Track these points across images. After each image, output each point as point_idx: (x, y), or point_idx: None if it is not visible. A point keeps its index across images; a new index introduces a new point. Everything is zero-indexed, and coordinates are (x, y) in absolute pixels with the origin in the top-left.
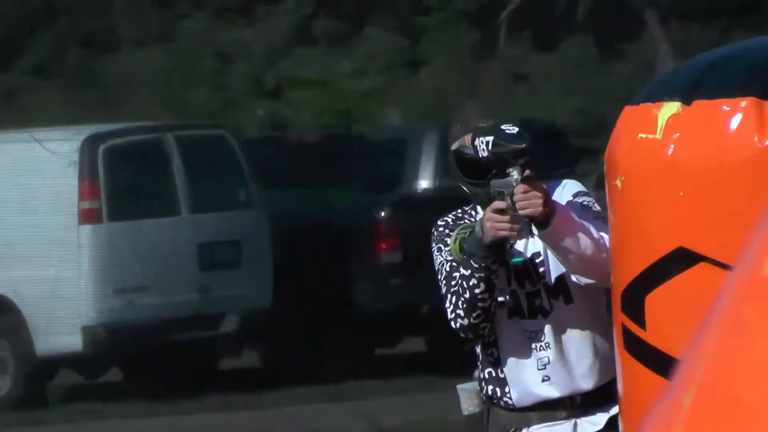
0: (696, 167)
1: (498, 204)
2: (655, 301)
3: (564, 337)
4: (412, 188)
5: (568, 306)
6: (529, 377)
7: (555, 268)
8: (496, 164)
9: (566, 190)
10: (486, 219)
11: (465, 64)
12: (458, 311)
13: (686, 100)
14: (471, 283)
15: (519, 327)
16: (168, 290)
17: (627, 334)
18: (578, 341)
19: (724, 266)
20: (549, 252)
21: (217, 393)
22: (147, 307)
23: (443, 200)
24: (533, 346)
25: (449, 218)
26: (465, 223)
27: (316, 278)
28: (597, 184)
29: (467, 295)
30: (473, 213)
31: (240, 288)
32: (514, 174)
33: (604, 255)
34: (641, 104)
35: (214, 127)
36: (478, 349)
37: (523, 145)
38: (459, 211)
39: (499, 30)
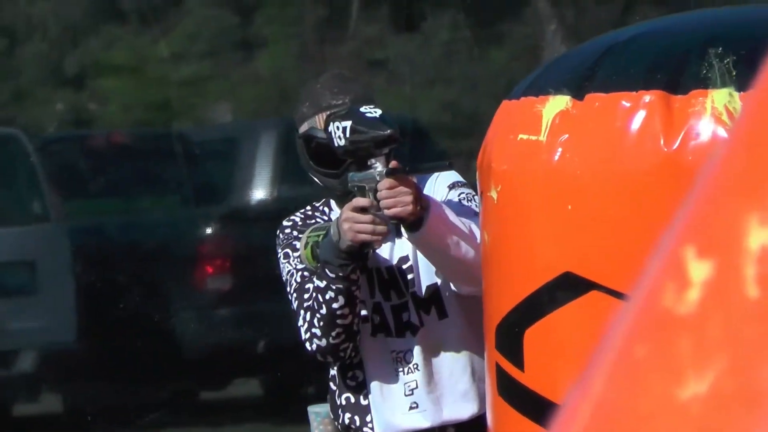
0: (588, 176)
1: (358, 201)
2: (536, 336)
3: (435, 358)
4: (245, 199)
5: (441, 321)
6: (394, 405)
7: (426, 276)
8: (355, 154)
9: (440, 182)
10: (343, 219)
11: (309, 47)
12: (314, 330)
13: (577, 94)
14: (327, 297)
15: (385, 346)
16: None
17: (502, 375)
18: (452, 362)
19: (620, 295)
20: (419, 256)
21: None
22: None
23: (283, 213)
24: (400, 368)
25: (297, 217)
26: (317, 222)
27: (127, 308)
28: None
29: (323, 311)
30: (326, 210)
31: (36, 319)
32: (378, 166)
33: None
34: (522, 98)
35: (3, 125)
36: (334, 371)
37: (388, 132)
38: (308, 207)
39: (350, 5)
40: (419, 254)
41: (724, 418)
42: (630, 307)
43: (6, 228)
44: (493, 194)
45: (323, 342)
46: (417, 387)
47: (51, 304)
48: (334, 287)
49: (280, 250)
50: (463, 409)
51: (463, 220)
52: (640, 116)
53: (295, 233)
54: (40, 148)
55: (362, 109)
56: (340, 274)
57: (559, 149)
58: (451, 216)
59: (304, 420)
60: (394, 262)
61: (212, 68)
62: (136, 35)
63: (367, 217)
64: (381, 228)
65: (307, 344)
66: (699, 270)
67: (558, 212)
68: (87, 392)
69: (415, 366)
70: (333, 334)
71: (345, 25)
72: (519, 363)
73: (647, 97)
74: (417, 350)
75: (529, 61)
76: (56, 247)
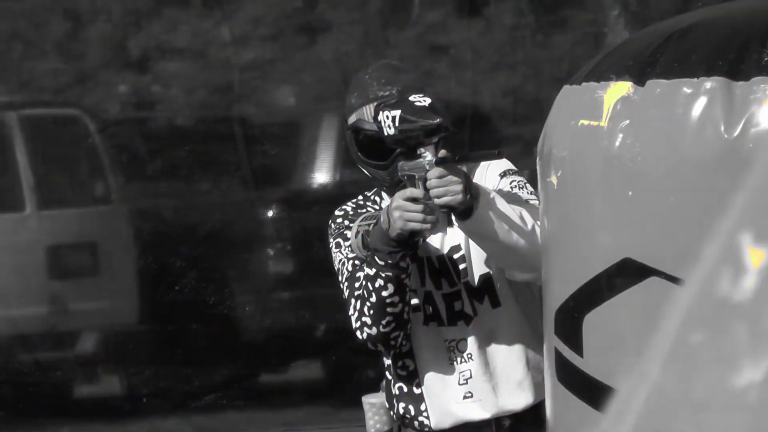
0: (648, 162)
1: (409, 191)
2: (595, 322)
3: (489, 347)
4: (306, 182)
5: (495, 310)
6: (448, 394)
7: (479, 265)
8: (405, 143)
9: (491, 170)
10: (394, 208)
11: (372, 31)
12: (364, 318)
13: (639, 80)
14: (377, 285)
15: (437, 335)
16: (10, 302)
17: (560, 360)
18: (506, 352)
19: (679, 281)
20: (471, 246)
21: (70, 423)
22: None
23: (345, 197)
24: (454, 357)
25: (348, 207)
26: (368, 212)
27: (187, 290)
28: (530, 180)
29: (373, 299)
30: (377, 200)
31: (98, 300)
32: (427, 155)
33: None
34: (584, 84)
35: (66, 106)
36: (388, 361)
37: (437, 121)
38: (360, 197)
39: None
40: (471, 243)
41: None
42: (686, 293)
43: (68, 209)
44: (553, 180)
45: (373, 330)
46: (471, 377)
47: (112, 286)
48: (383, 275)
49: (331, 240)
50: (519, 399)
51: (514, 207)
52: (701, 103)
53: (346, 222)
54: (103, 130)
55: (411, 98)
56: (389, 262)
57: (620, 135)
58: (502, 204)
59: (361, 405)
60: (445, 251)
61: (275, 52)
62: (200, 18)
63: (418, 206)
64: (431, 217)
65: (358, 333)
66: (756, 257)
67: (618, 198)
68: (146, 374)
69: (469, 356)
70: (383, 322)
71: (408, 10)
72: (578, 349)
73: (708, 83)
74: (471, 339)
75: (592, 47)
76: (118, 229)
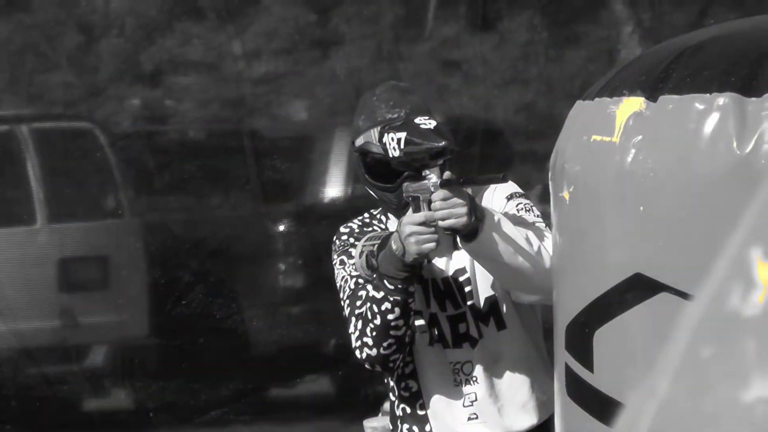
0: (660, 178)
1: (419, 216)
2: (605, 337)
3: (495, 369)
4: (318, 197)
5: (500, 332)
6: (454, 415)
7: (484, 288)
8: (410, 165)
9: (498, 193)
10: (408, 234)
11: (385, 46)
12: (365, 339)
13: (651, 96)
14: (383, 308)
15: (442, 357)
16: (21, 315)
17: (571, 376)
18: (511, 374)
19: (690, 297)
20: (477, 268)
21: None
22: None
23: (355, 212)
24: (459, 379)
25: (354, 224)
26: (374, 230)
27: (197, 304)
28: (542, 196)
29: (378, 322)
30: (383, 218)
31: (108, 314)
32: (432, 177)
33: (547, 266)
34: (596, 99)
35: (79, 119)
36: (392, 382)
37: (442, 144)
38: (366, 215)
39: (427, 4)
40: (477, 266)
41: None
42: (696, 308)
43: (80, 222)
44: (565, 195)
45: (374, 352)
46: (476, 399)
47: (123, 300)
48: (391, 299)
49: (336, 256)
50: (524, 420)
51: (520, 229)
52: (713, 119)
53: (351, 240)
54: (115, 144)
55: (417, 120)
56: (400, 287)
57: (632, 151)
58: (507, 226)
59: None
60: (450, 272)
61: (288, 66)
62: (213, 32)
63: (431, 230)
64: (436, 237)
65: (358, 352)
66: (766, 272)
67: (630, 213)
68: (153, 388)
69: (474, 378)
70: (385, 344)
71: (422, 25)
72: (588, 364)
73: (721, 99)
74: (476, 362)
75: (605, 63)
76: (129, 243)
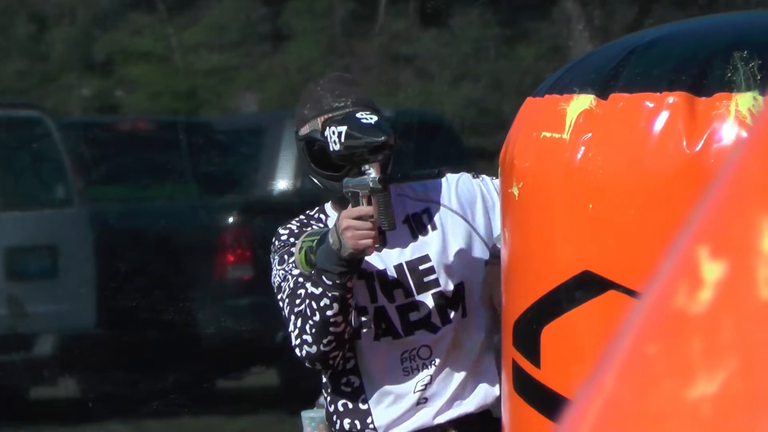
0: (610, 176)
1: (358, 210)
2: (553, 334)
3: (454, 355)
4: (268, 189)
5: (463, 320)
6: (402, 403)
7: (447, 277)
8: (350, 159)
9: (462, 182)
10: (344, 228)
11: (337, 40)
12: (305, 336)
13: (602, 93)
14: (322, 304)
15: (391, 349)
16: None
17: (518, 372)
18: (466, 361)
19: (638, 295)
20: (442, 257)
21: (26, 426)
22: None
23: (307, 205)
24: (412, 366)
25: (293, 225)
26: (312, 229)
27: (146, 294)
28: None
29: (317, 318)
30: (322, 217)
31: (57, 303)
32: (371, 172)
33: None
34: (547, 96)
35: (29, 107)
36: (325, 378)
37: (382, 139)
38: (303, 217)
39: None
40: (442, 255)
41: (733, 419)
42: (642, 306)
43: (29, 212)
44: (515, 191)
45: (313, 349)
46: (431, 382)
47: (72, 289)
48: (329, 294)
49: (275, 256)
50: (470, 406)
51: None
52: (663, 117)
53: (292, 240)
54: (65, 133)
55: (358, 115)
56: (338, 282)
57: (582, 148)
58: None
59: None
60: (404, 261)
61: (239, 58)
62: (164, 23)
63: (368, 224)
64: (375, 234)
65: (297, 350)
66: (712, 270)
67: (579, 211)
68: (103, 378)
69: (433, 362)
70: (324, 341)
71: (373, 19)
72: (536, 360)
73: (671, 98)
74: (435, 346)
75: (556, 59)
76: (79, 232)
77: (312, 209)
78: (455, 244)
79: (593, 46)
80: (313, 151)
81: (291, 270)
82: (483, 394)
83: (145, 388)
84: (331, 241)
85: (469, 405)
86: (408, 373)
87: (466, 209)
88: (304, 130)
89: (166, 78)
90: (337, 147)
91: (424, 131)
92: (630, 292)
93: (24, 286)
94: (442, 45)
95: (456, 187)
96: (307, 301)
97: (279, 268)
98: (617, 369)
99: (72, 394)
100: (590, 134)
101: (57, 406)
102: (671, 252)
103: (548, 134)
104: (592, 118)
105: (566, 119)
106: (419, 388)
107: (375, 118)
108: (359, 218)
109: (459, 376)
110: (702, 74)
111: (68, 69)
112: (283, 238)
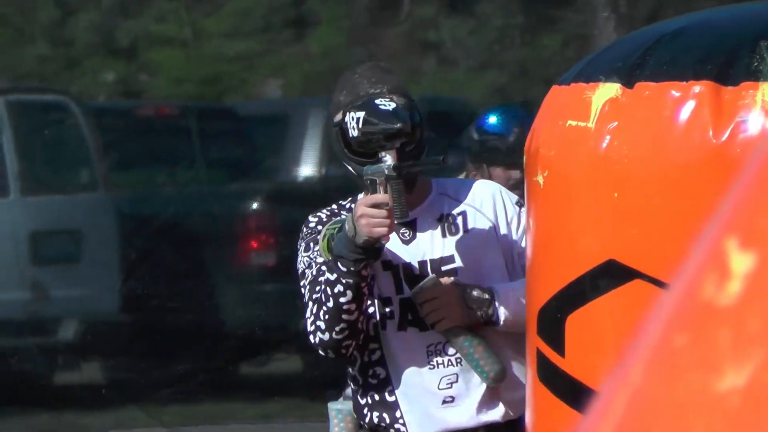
0: (635, 165)
1: (373, 198)
2: (577, 323)
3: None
4: (293, 176)
5: (485, 325)
6: (428, 399)
7: (472, 278)
8: (368, 145)
9: (506, 198)
10: (359, 216)
11: (361, 27)
12: (318, 323)
13: (627, 82)
14: (336, 290)
15: (418, 341)
16: None
17: (542, 360)
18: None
19: (663, 285)
20: (465, 260)
21: (49, 411)
22: None
23: (331, 192)
24: (437, 361)
25: (323, 214)
26: (341, 217)
27: (170, 280)
28: (516, 181)
29: (330, 305)
30: (353, 207)
31: (80, 287)
32: (387, 160)
33: None
34: (572, 84)
35: (55, 92)
36: (353, 371)
37: (398, 126)
38: (334, 206)
39: None
40: (464, 257)
41: (763, 412)
42: (670, 297)
43: (53, 196)
44: (540, 179)
45: (326, 336)
46: (456, 381)
47: (95, 274)
48: (344, 281)
49: (302, 243)
50: (494, 412)
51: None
52: (689, 107)
53: (319, 228)
54: (90, 117)
55: (377, 101)
56: (352, 269)
57: (607, 137)
58: (518, 304)
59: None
60: (431, 257)
61: (263, 45)
62: (188, 9)
63: (383, 212)
64: (391, 222)
65: (311, 337)
66: (741, 262)
67: (604, 199)
68: (125, 363)
69: (458, 359)
70: (337, 329)
71: (398, 6)
72: (560, 349)
73: (697, 87)
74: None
75: (581, 48)
76: (103, 217)
77: (345, 199)
78: (481, 252)
79: (618, 34)
80: (345, 137)
81: (315, 258)
82: (508, 405)
83: (167, 373)
84: (347, 228)
85: (496, 414)
86: (433, 368)
87: (500, 224)
88: (338, 117)
89: (190, 64)
90: (356, 133)
91: (447, 119)
92: (655, 282)
93: (48, 270)
94: (467, 33)
95: (501, 200)
96: (323, 287)
97: (304, 254)
98: (644, 360)
99: (93, 378)
100: (616, 123)
101: (78, 390)
102: (699, 243)
103: (573, 123)
104: (617, 106)
105: (592, 108)
106: (444, 385)
107: (393, 104)
108: (375, 206)
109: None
110: (728, 63)
111: (92, 54)
112: (312, 225)
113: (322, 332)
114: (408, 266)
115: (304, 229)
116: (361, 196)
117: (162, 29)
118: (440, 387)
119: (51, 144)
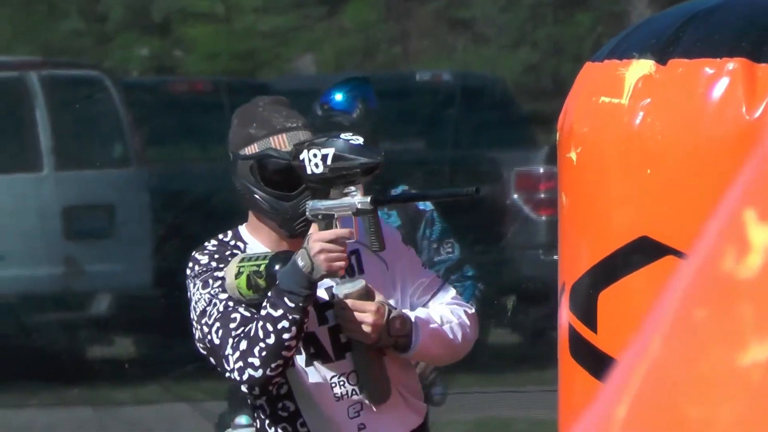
0: (668, 141)
1: (339, 232)
2: (610, 299)
3: None
4: None
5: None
6: (344, 428)
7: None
8: (332, 182)
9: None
10: (318, 251)
11: (395, 2)
12: (251, 360)
13: (661, 59)
14: (280, 327)
15: (322, 373)
16: (25, 262)
17: (574, 336)
18: (396, 380)
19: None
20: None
21: (82, 385)
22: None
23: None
24: (342, 392)
25: (212, 248)
26: (232, 256)
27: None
28: (549, 157)
29: (270, 341)
30: (240, 245)
31: (113, 262)
32: (356, 194)
33: (467, 345)
34: (606, 61)
35: (89, 67)
36: (261, 401)
37: (378, 159)
38: (215, 242)
39: None
40: (369, 276)
41: None
42: (689, 269)
43: (86, 171)
44: (573, 156)
45: (258, 373)
46: (362, 408)
47: (127, 249)
48: (290, 317)
49: (196, 280)
50: (403, 426)
51: (444, 326)
52: (722, 83)
53: (213, 264)
54: (123, 93)
55: (344, 136)
56: (301, 305)
57: (641, 113)
58: (434, 333)
59: None
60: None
61: (298, 20)
62: None
63: (341, 248)
64: (346, 257)
65: (236, 374)
66: (760, 234)
67: (637, 176)
68: (155, 338)
69: (360, 387)
70: (273, 365)
71: None
72: (592, 325)
73: (731, 64)
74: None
75: (614, 25)
76: (135, 192)
77: (224, 234)
78: (377, 287)
79: (652, 11)
80: (264, 170)
81: (217, 294)
82: (412, 415)
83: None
84: (301, 263)
85: (401, 426)
86: (339, 399)
87: (391, 262)
88: (251, 149)
89: (223, 39)
90: (319, 170)
91: (478, 96)
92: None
93: (80, 245)
94: (500, 10)
95: (390, 238)
96: (260, 323)
97: (203, 292)
98: (663, 333)
99: (124, 353)
100: (649, 100)
101: (109, 365)
102: (717, 215)
103: (607, 99)
104: (651, 83)
105: (625, 84)
106: (352, 414)
107: (361, 138)
108: (333, 242)
109: (392, 398)
110: (762, 40)
111: (126, 29)
112: (204, 261)
113: (255, 369)
114: (316, 296)
115: (196, 267)
116: (243, 231)
117: (196, 4)
118: (350, 416)
119: (84, 119)
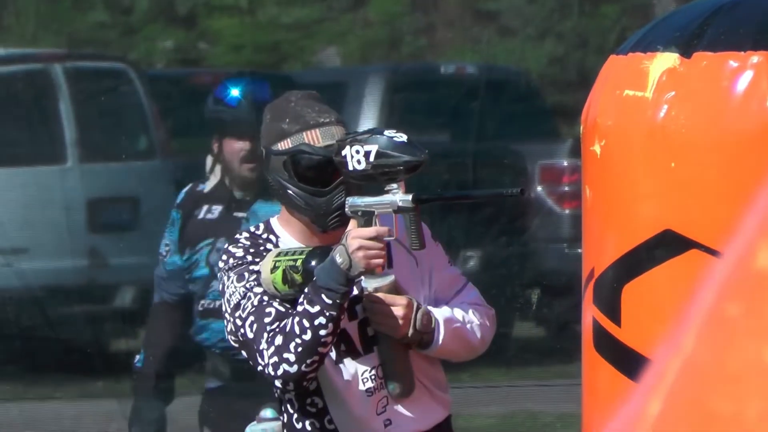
0: (692, 134)
1: (379, 230)
2: (633, 293)
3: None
4: None
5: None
6: (367, 427)
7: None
8: (373, 178)
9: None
10: (356, 247)
11: None
12: (286, 355)
13: (685, 52)
14: (317, 323)
15: (352, 370)
16: (49, 255)
17: (598, 330)
18: (420, 375)
19: (720, 255)
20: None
21: (107, 378)
22: (22, 274)
23: None
24: (373, 387)
25: (244, 242)
26: (266, 250)
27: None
28: (573, 149)
29: (307, 337)
30: (272, 238)
31: (137, 255)
32: (398, 192)
33: (485, 344)
34: (630, 54)
35: (113, 59)
36: (290, 395)
37: (422, 157)
38: (247, 235)
39: None
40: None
41: None
42: (723, 266)
43: (111, 163)
44: (597, 149)
45: (294, 368)
46: (388, 403)
47: (152, 242)
48: (327, 313)
49: (230, 273)
50: (428, 418)
51: (466, 326)
52: (747, 77)
53: (249, 257)
54: (148, 85)
55: (387, 133)
56: (338, 301)
57: (665, 106)
58: (456, 329)
59: None
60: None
61: (322, 12)
62: None
63: (380, 245)
64: (385, 254)
65: (271, 369)
66: None
67: (661, 169)
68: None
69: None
70: (308, 361)
71: None
72: (616, 318)
73: (755, 57)
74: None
75: (640, 17)
76: (160, 185)
77: (255, 227)
78: (405, 282)
79: (677, 4)
80: (297, 165)
81: (252, 287)
82: (442, 406)
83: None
84: (339, 260)
85: (427, 419)
86: (370, 395)
87: (421, 258)
88: (285, 144)
89: (248, 32)
90: (361, 166)
91: (502, 88)
92: (712, 252)
93: (104, 237)
94: (526, 1)
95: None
96: (297, 318)
97: (238, 285)
98: (697, 329)
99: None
100: (673, 93)
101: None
102: (752, 211)
103: (631, 92)
104: (675, 76)
105: (649, 77)
106: (380, 410)
107: (405, 136)
108: (372, 239)
109: (417, 392)
110: None
111: (151, 21)
112: (239, 255)
113: (290, 364)
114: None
115: (230, 260)
116: (275, 223)
117: None
118: (378, 412)
119: (108, 111)
